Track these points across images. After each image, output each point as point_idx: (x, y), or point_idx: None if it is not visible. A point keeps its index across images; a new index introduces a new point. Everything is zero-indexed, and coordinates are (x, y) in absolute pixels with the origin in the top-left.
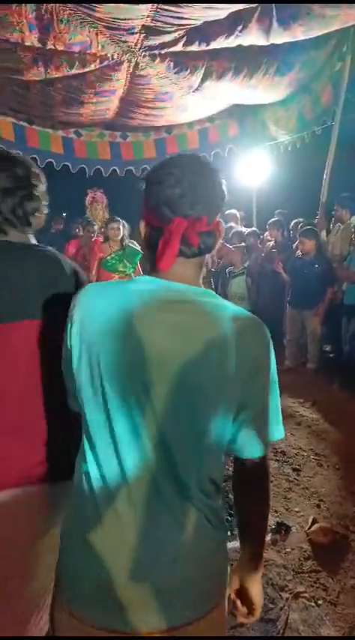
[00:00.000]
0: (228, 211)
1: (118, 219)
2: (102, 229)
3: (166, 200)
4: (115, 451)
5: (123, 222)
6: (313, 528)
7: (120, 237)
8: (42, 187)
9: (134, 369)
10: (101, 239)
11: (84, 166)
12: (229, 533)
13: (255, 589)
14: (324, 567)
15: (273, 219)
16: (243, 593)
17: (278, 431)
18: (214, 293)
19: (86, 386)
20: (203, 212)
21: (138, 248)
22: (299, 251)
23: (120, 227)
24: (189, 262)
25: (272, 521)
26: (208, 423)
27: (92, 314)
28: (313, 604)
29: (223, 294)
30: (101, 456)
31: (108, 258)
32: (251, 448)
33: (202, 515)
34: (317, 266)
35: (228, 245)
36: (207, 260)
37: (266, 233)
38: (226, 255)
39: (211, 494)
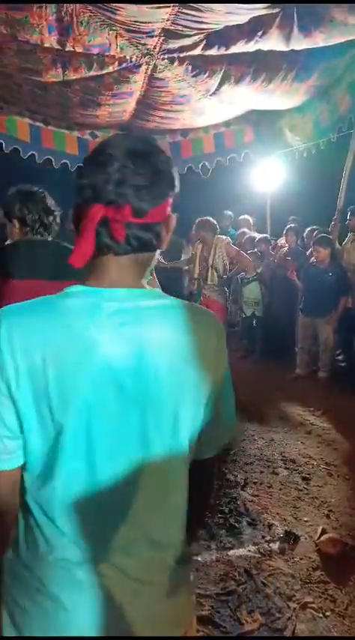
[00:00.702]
0: (241, 217)
1: None
2: None
3: (89, 184)
4: (62, 490)
5: None
6: (322, 538)
7: None
8: (56, 212)
9: (87, 397)
10: None
11: None
12: (235, 541)
13: None
14: (333, 578)
15: (290, 226)
16: None
17: (230, 428)
18: (160, 292)
19: (32, 418)
20: (132, 199)
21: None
22: (313, 259)
23: None
24: (122, 261)
25: (280, 530)
26: (184, 442)
27: (24, 343)
28: (321, 615)
29: (236, 299)
30: (46, 496)
31: None
32: (208, 449)
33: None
34: (330, 274)
35: (241, 252)
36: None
37: (281, 239)
38: (239, 261)
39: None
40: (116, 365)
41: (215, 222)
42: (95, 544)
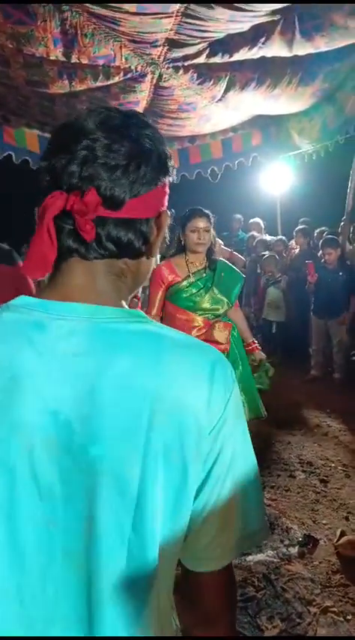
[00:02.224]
0: (251, 220)
1: (202, 209)
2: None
3: (48, 167)
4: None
5: (212, 215)
6: (341, 541)
7: (206, 245)
8: None
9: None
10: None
11: None
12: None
13: None
14: (353, 581)
15: (300, 227)
16: None
17: (249, 536)
18: (142, 314)
19: None
20: (101, 183)
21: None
22: (323, 260)
23: (208, 224)
24: (92, 268)
25: (299, 534)
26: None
27: None
28: (342, 619)
29: (249, 302)
30: None
31: (184, 284)
32: (205, 559)
33: None
34: (341, 274)
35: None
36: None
37: (292, 241)
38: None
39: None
40: (58, 414)
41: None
42: None
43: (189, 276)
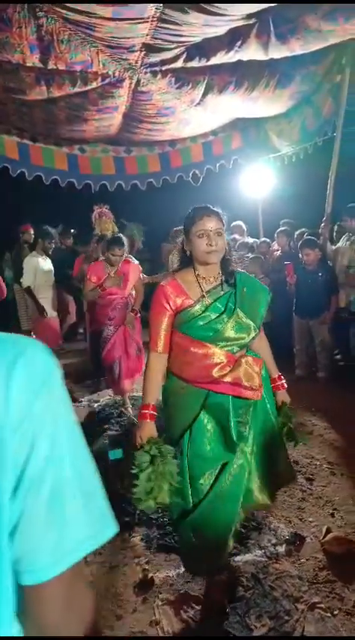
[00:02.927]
0: (233, 223)
1: (210, 206)
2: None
3: None
4: None
5: (223, 213)
6: (327, 538)
7: (219, 253)
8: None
9: None
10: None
11: (89, 182)
12: (241, 546)
13: None
14: (340, 577)
15: (281, 229)
16: None
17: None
18: None
19: None
20: None
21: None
22: (303, 261)
23: (220, 224)
24: None
25: (286, 532)
26: None
27: None
28: (329, 614)
29: None
30: None
31: (198, 308)
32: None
33: None
34: (320, 274)
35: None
36: None
37: (274, 243)
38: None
39: None
40: None
41: None
42: None
43: (203, 296)
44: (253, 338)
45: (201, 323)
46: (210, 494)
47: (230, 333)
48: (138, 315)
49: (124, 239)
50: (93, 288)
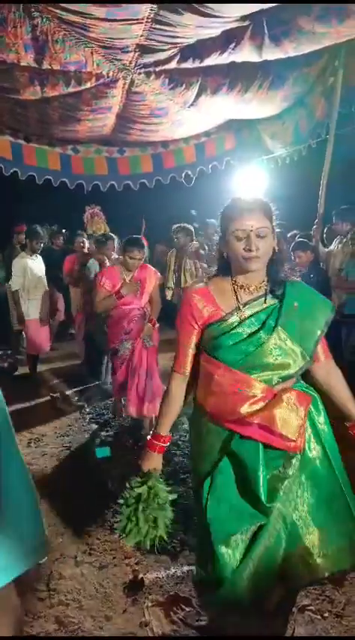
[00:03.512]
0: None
1: (249, 200)
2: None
3: None
4: None
5: (271, 206)
6: None
7: (261, 259)
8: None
9: None
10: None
11: (82, 182)
12: None
13: None
14: (329, 580)
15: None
16: None
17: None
18: None
19: None
20: None
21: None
22: (294, 262)
23: (266, 223)
24: None
25: None
26: None
27: None
28: (319, 617)
29: None
30: None
31: (230, 322)
32: None
33: None
34: (312, 276)
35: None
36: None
37: None
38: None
39: None
40: None
41: (191, 228)
42: None
43: (238, 308)
44: (301, 368)
45: (231, 342)
46: (236, 573)
47: (268, 358)
48: (157, 325)
49: (143, 241)
50: (106, 296)
